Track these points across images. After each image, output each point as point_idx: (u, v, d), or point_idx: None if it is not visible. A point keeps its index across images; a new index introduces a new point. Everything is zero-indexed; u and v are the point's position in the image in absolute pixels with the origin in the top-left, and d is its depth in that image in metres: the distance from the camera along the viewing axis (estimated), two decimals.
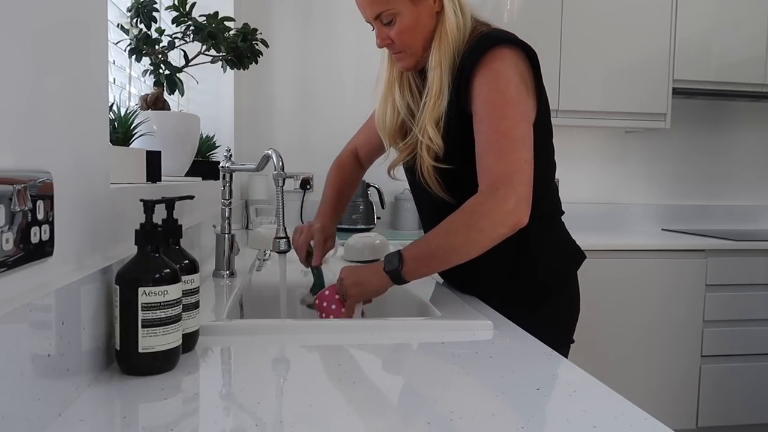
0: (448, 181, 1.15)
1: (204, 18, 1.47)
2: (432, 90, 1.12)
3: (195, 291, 0.83)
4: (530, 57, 1.11)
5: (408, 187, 1.32)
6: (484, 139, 1.05)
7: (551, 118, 1.20)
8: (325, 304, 1.12)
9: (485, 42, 1.08)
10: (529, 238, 1.15)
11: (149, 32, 1.42)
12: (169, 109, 1.54)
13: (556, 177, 1.28)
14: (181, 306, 0.76)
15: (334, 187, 1.41)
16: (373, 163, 1.48)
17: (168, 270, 0.74)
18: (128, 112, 1.17)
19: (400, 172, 1.29)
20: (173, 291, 0.73)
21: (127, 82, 1.66)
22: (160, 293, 0.72)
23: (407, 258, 1.05)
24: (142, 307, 0.71)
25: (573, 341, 1.26)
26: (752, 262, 2.46)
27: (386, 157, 1.34)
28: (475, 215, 1.03)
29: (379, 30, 1.16)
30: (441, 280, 1.38)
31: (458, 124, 1.11)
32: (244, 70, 1.62)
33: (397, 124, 1.23)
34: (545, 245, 1.20)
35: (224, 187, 1.38)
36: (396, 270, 1.05)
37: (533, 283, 1.20)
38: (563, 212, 1.27)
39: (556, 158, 1.25)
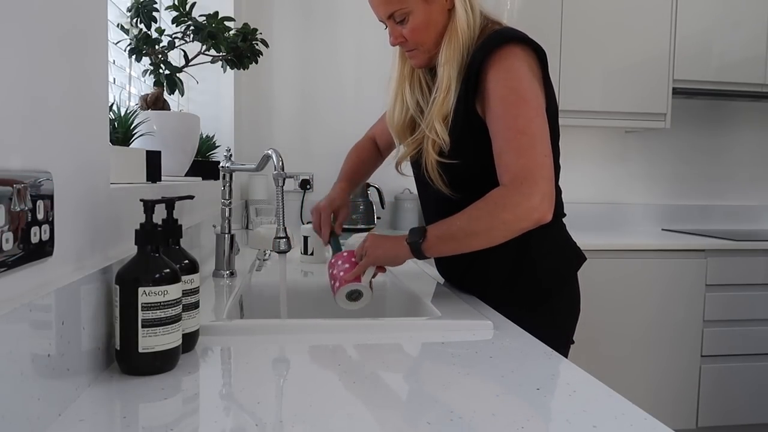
0: (450, 176, 1.16)
1: (204, 18, 1.47)
2: (441, 86, 1.13)
3: (195, 291, 0.83)
4: (539, 57, 1.12)
5: (408, 187, 1.32)
6: (501, 138, 1.07)
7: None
8: (340, 262, 1.12)
9: (496, 39, 1.09)
10: (530, 239, 1.14)
11: (149, 32, 1.42)
12: (169, 109, 1.54)
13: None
14: (181, 306, 0.76)
15: (350, 162, 1.46)
16: (390, 153, 1.49)
17: (168, 270, 0.74)
18: (128, 112, 1.17)
19: (407, 168, 1.31)
20: (173, 291, 0.73)
21: (127, 82, 1.66)
22: (160, 293, 0.72)
23: (430, 235, 1.08)
24: (142, 307, 0.71)
25: (573, 342, 1.26)
26: (752, 262, 2.46)
27: (394, 156, 1.35)
28: (500, 207, 1.05)
29: (392, 28, 1.18)
30: (441, 280, 1.38)
31: (465, 120, 1.12)
32: (244, 70, 1.62)
33: (406, 121, 1.25)
34: (546, 246, 1.20)
35: (224, 187, 1.38)
36: (417, 242, 1.08)
37: (533, 283, 1.20)
38: (565, 215, 1.27)
39: None
